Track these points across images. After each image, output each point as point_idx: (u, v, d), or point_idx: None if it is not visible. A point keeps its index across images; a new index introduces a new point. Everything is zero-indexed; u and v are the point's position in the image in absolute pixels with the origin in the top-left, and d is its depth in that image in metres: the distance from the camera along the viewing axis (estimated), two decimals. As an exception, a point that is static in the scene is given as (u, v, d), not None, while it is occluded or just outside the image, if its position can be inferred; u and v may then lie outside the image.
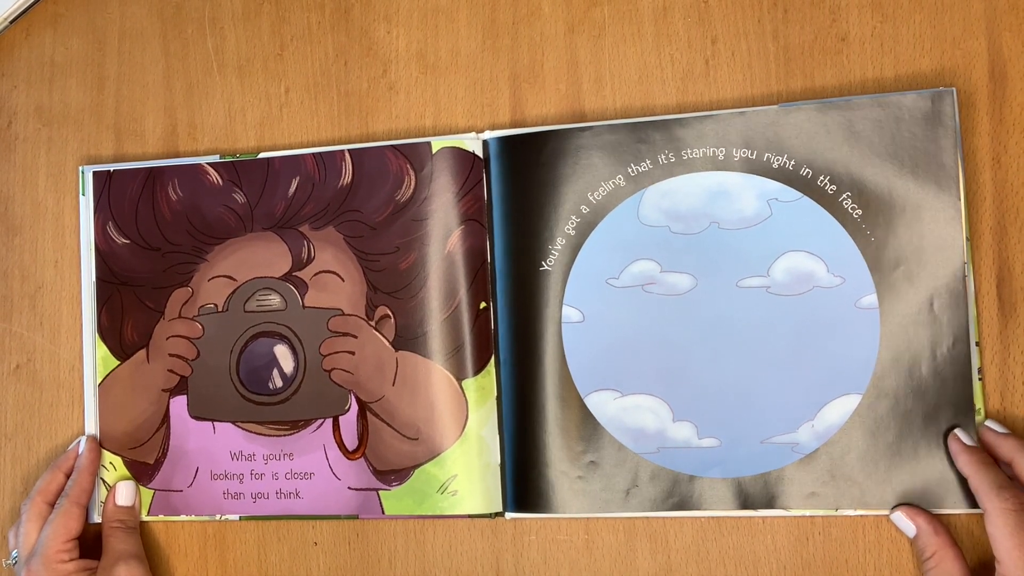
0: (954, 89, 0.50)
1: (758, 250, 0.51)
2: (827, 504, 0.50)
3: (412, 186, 0.55)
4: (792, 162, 0.51)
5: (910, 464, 0.49)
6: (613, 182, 0.53)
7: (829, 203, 0.50)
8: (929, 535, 0.47)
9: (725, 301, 0.51)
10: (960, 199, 0.49)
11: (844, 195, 0.50)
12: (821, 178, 0.50)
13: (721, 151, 0.51)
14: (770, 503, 0.50)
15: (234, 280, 0.57)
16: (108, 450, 0.59)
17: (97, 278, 0.60)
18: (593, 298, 0.53)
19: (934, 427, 0.49)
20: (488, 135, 0.55)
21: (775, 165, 0.51)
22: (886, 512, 0.49)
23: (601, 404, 0.52)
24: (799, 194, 0.51)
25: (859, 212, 0.50)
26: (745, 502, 0.51)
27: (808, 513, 0.50)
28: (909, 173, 0.49)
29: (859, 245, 0.50)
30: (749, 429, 0.51)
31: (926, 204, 0.49)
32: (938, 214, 0.49)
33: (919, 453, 0.49)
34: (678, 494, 0.51)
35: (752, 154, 0.51)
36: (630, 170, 0.52)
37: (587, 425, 0.52)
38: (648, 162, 0.52)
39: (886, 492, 0.49)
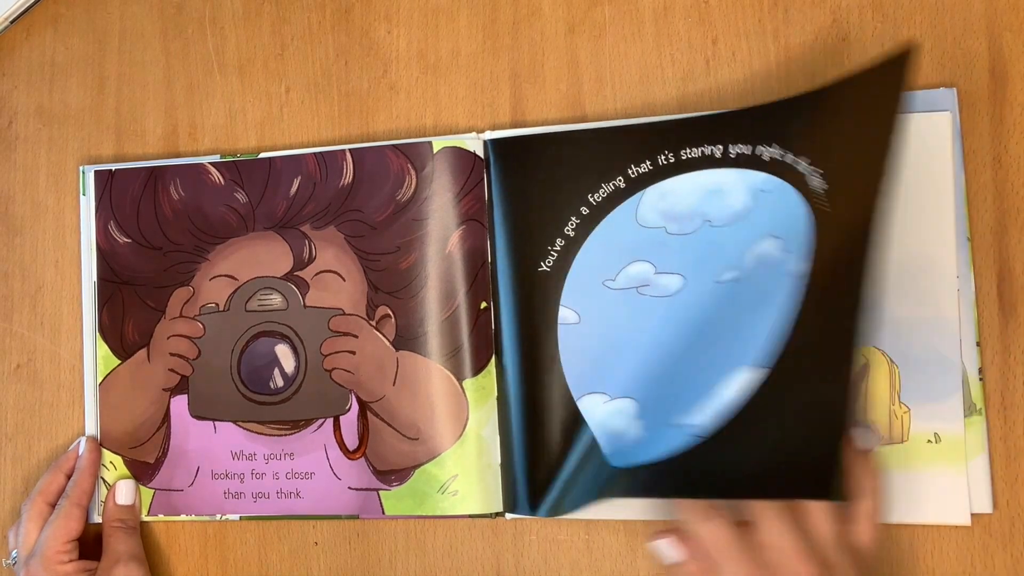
0: (955, 89, 0.50)
1: (737, 243, 0.49)
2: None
3: (413, 186, 0.55)
4: (780, 152, 0.48)
5: None
6: (613, 183, 0.52)
7: (809, 191, 0.47)
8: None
9: (706, 299, 0.50)
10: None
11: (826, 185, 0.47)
12: (804, 165, 0.47)
13: (718, 148, 0.50)
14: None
15: (235, 279, 0.57)
16: (108, 449, 0.59)
17: (98, 277, 0.59)
18: (590, 300, 0.52)
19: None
20: (489, 135, 0.55)
21: (766, 157, 0.49)
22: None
23: (592, 407, 0.52)
24: (781, 182, 0.48)
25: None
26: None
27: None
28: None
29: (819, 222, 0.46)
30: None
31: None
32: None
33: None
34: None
35: (749, 149, 0.50)
36: (630, 171, 0.52)
37: (577, 428, 0.52)
38: (648, 163, 0.52)
39: None
